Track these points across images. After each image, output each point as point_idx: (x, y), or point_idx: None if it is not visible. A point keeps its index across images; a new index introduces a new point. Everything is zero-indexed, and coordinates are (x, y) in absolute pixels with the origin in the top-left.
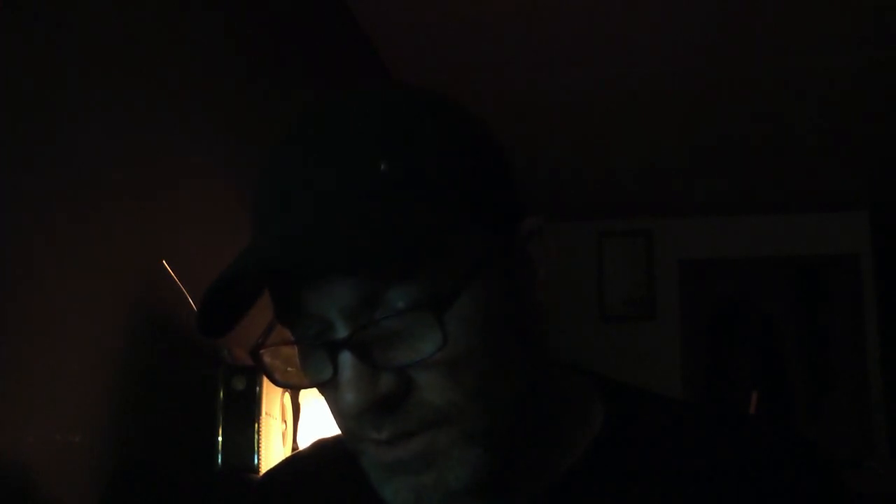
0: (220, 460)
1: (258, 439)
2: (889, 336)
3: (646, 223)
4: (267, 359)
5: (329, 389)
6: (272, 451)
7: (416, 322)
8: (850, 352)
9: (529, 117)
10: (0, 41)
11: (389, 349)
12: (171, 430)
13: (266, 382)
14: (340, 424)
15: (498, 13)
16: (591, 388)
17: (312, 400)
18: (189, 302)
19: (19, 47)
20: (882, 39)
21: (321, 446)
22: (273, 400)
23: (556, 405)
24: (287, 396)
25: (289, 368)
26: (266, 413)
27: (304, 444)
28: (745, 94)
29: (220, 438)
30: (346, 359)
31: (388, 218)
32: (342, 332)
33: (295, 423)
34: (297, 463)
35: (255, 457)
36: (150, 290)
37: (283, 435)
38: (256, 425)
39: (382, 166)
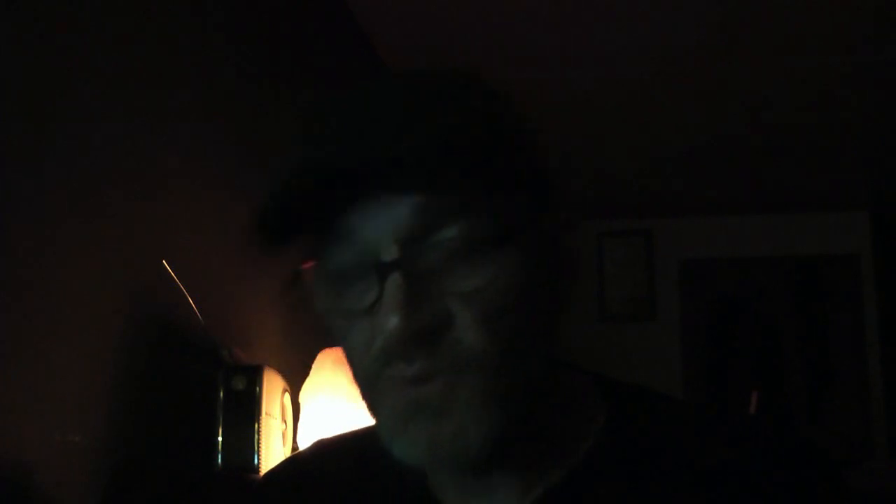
0: (220, 460)
1: (258, 439)
2: (889, 336)
3: (646, 223)
4: (308, 282)
5: (364, 321)
6: (272, 451)
7: (467, 255)
8: (851, 352)
9: (529, 117)
10: (0, 41)
11: (438, 278)
12: (171, 430)
13: (266, 382)
14: (364, 366)
15: (497, 13)
16: (592, 387)
17: (312, 400)
18: (189, 302)
19: (19, 47)
20: (882, 39)
21: (321, 446)
22: (273, 400)
23: (560, 403)
24: (287, 396)
25: (329, 295)
26: (266, 413)
27: (304, 443)
28: (745, 94)
29: (220, 438)
30: (396, 280)
31: (467, 154)
32: (392, 253)
33: (295, 423)
34: (297, 463)
35: (255, 457)
36: (150, 290)
37: (283, 435)
38: (256, 425)
39: (451, 117)
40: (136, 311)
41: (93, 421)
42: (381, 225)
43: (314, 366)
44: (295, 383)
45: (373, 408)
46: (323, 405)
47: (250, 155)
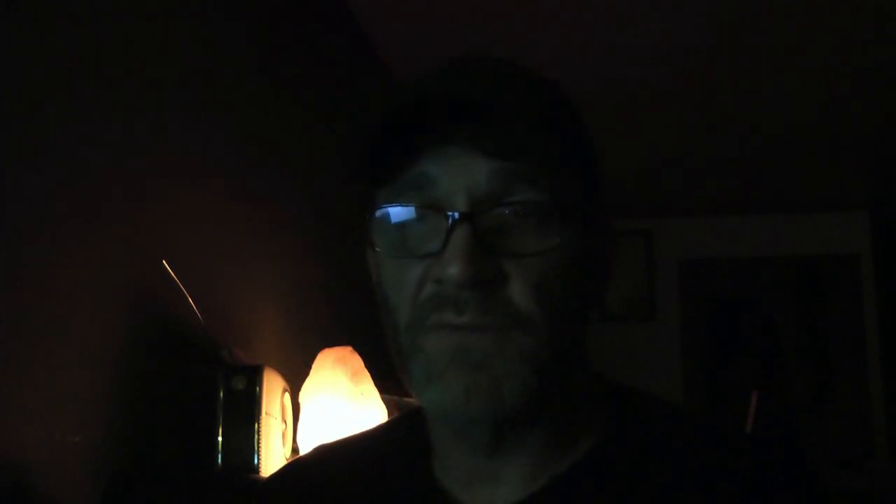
0: (220, 460)
1: (258, 439)
2: (889, 336)
3: (646, 223)
4: (373, 225)
5: (415, 267)
6: (272, 451)
7: (532, 221)
8: (851, 352)
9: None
10: (0, 41)
11: (501, 238)
12: (171, 430)
13: (266, 382)
14: (408, 308)
15: (497, 13)
16: (596, 386)
17: (312, 400)
18: (189, 302)
19: (19, 46)
20: (882, 40)
21: (322, 451)
22: (273, 400)
23: (569, 397)
24: (287, 396)
25: (395, 235)
26: (266, 413)
27: (304, 443)
28: (746, 95)
29: (220, 438)
30: (465, 232)
31: (549, 128)
32: (463, 206)
33: (295, 423)
34: (299, 468)
35: (255, 457)
36: (150, 290)
37: (283, 435)
38: (256, 425)
39: (543, 95)
40: (136, 311)
41: (93, 421)
42: (459, 179)
43: (314, 366)
44: (295, 383)
45: (410, 353)
46: (323, 405)
47: (251, 155)
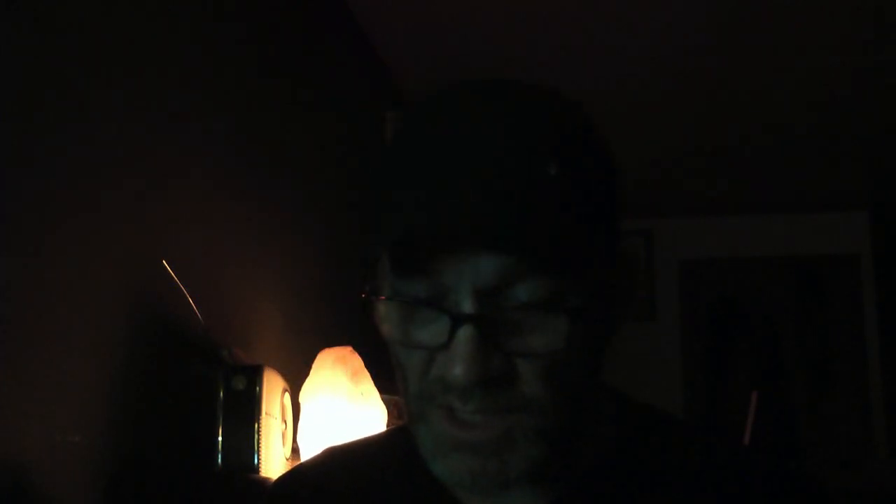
0: (220, 460)
1: (258, 439)
2: (889, 336)
3: (646, 223)
4: (380, 310)
5: (427, 353)
6: (272, 451)
7: (537, 318)
8: (850, 352)
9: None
10: (0, 41)
11: (511, 336)
12: (171, 430)
13: (266, 382)
14: (417, 385)
15: (497, 13)
16: (608, 406)
17: (312, 400)
18: (189, 302)
19: (19, 46)
20: (882, 40)
21: (331, 454)
22: (273, 400)
23: (578, 428)
24: (287, 396)
25: (398, 326)
26: (266, 413)
27: (303, 443)
28: (745, 95)
29: (220, 438)
30: (469, 332)
31: (551, 217)
32: (468, 306)
33: (295, 423)
34: (307, 471)
35: (255, 457)
36: (150, 290)
37: (283, 435)
38: (256, 425)
39: (552, 170)
40: (136, 311)
41: (93, 421)
42: (463, 275)
43: (314, 366)
44: (295, 383)
45: (418, 420)
46: (323, 405)
47: (251, 155)
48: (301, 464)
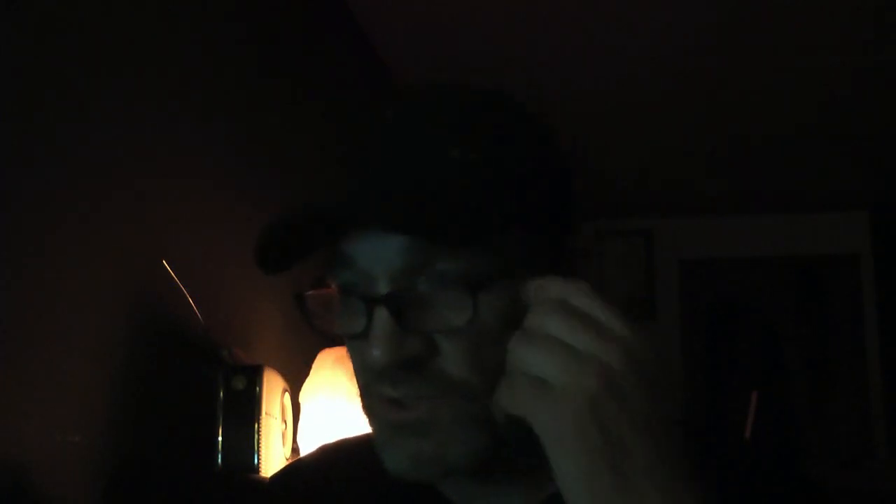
0: (220, 460)
1: (258, 439)
2: (889, 336)
3: (646, 223)
4: (309, 304)
5: (357, 343)
6: (272, 451)
7: (451, 295)
8: (850, 352)
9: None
10: (0, 41)
11: (423, 314)
12: (171, 430)
13: (266, 382)
14: (360, 379)
15: (498, 13)
16: None
17: (312, 400)
18: (189, 302)
19: (19, 46)
20: (882, 40)
21: (324, 451)
22: (273, 400)
23: None
24: (287, 396)
25: (326, 318)
26: (266, 413)
27: (303, 443)
28: (745, 94)
29: (220, 438)
30: (382, 315)
31: (453, 199)
32: (383, 289)
33: (295, 423)
34: (302, 468)
35: (255, 457)
36: (150, 290)
37: (283, 435)
38: (256, 425)
39: (455, 153)
40: (136, 311)
41: (93, 421)
42: (375, 258)
43: (314, 366)
44: (295, 383)
45: (368, 422)
46: (323, 405)
47: (251, 155)
48: (297, 460)
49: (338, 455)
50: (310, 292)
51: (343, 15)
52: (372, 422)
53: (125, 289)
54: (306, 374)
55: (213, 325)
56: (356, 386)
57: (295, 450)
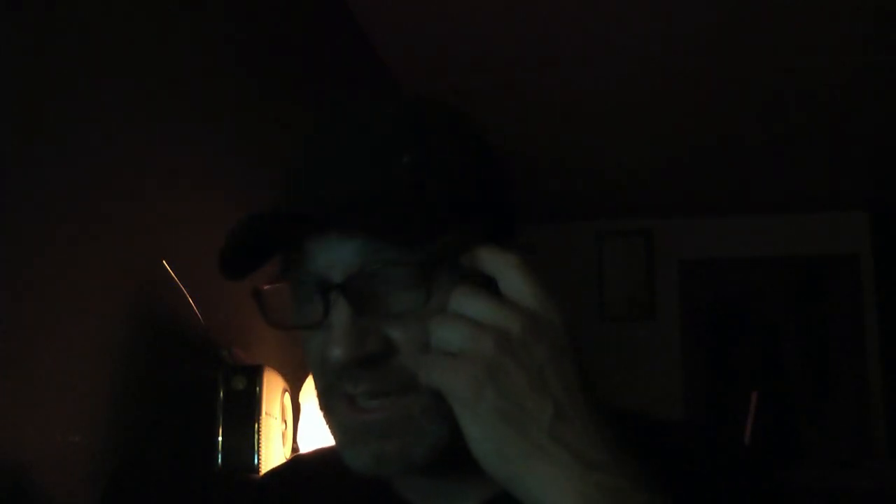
0: (220, 460)
1: (258, 439)
2: (889, 336)
3: (646, 223)
4: (266, 298)
5: (314, 338)
6: (272, 451)
7: (405, 280)
8: (850, 352)
9: (529, 117)
10: (0, 41)
11: (380, 303)
12: (171, 430)
13: (266, 382)
14: (318, 378)
15: (498, 13)
16: None
17: (312, 400)
18: (189, 302)
19: (19, 46)
20: (882, 40)
21: (297, 462)
22: (273, 400)
23: None
24: (287, 396)
25: (282, 311)
26: (266, 413)
27: (303, 443)
28: (745, 95)
29: (220, 438)
30: (341, 307)
31: (406, 201)
32: (338, 279)
33: (295, 423)
34: (299, 465)
35: (255, 457)
36: (150, 290)
37: (283, 435)
38: (256, 425)
39: (405, 159)
40: (136, 311)
41: (93, 421)
42: (332, 257)
43: None
44: (295, 383)
45: (328, 421)
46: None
47: (250, 155)
48: (269, 471)
49: (309, 466)
50: (266, 287)
51: (343, 15)
52: (332, 422)
53: (125, 289)
54: (306, 374)
55: (213, 325)
56: (316, 389)
57: (295, 450)
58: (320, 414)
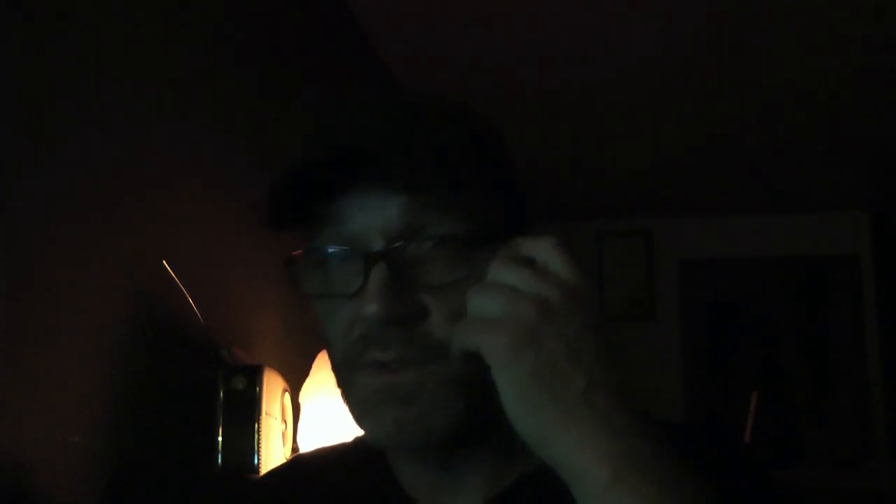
0: (220, 460)
1: (258, 439)
2: (889, 336)
3: (646, 223)
4: (297, 267)
5: (343, 306)
6: (272, 451)
7: (446, 253)
8: (850, 352)
9: (529, 117)
10: (0, 41)
11: (418, 271)
12: (171, 430)
13: (266, 382)
14: (341, 348)
15: (497, 13)
16: None
17: (312, 400)
18: (189, 302)
19: (19, 46)
20: (882, 40)
21: (298, 461)
22: (273, 400)
23: None
24: (287, 396)
25: (314, 279)
26: (266, 413)
27: (303, 443)
28: (745, 94)
29: (220, 438)
30: (381, 270)
31: (450, 167)
32: (378, 246)
33: (295, 423)
34: (299, 464)
35: (255, 457)
36: (150, 290)
37: (283, 435)
38: (256, 425)
39: (444, 133)
40: (136, 311)
41: (93, 421)
42: (372, 217)
43: (314, 366)
44: (295, 383)
45: (346, 390)
46: (323, 405)
47: (251, 155)
48: (296, 455)
49: (310, 466)
50: (298, 253)
51: (343, 15)
52: (352, 392)
53: (125, 289)
54: (306, 374)
55: (213, 325)
56: (335, 363)
57: (295, 450)
58: (339, 390)
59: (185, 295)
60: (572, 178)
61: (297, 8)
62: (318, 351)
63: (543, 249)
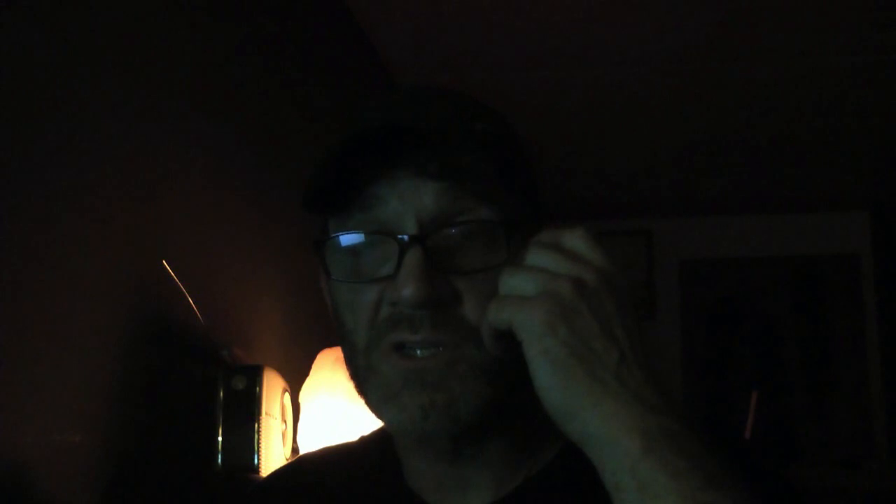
0: (220, 460)
1: (258, 439)
2: (889, 336)
3: (646, 223)
4: (326, 251)
5: (370, 290)
6: (272, 451)
7: (480, 239)
8: (850, 352)
9: (529, 117)
10: (0, 41)
11: (452, 257)
12: (171, 430)
13: (266, 382)
14: (364, 333)
15: (497, 13)
16: None
17: (312, 400)
18: (189, 302)
19: (19, 46)
20: (882, 40)
21: (303, 461)
22: (273, 400)
23: (530, 409)
24: (287, 396)
25: (344, 263)
26: (266, 413)
27: (303, 444)
28: (745, 94)
29: (220, 438)
30: (416, 253)
31: (493, 152)
32: (413, 230)
33: (295, 423)
34: (304, 464)
35: (255, 457)
36: (150, 290)
37: (283, 435)
38: (256, 425)
39: (478, 126)
40: (136, 311)
41: (93, 421)
42: (407, 202)
43: (314, 366)
44: (295, 383)
45: (367, 375)
46: (323, 405)
47: (251, 155)
48: (275, 470)
49: (315, 465)
50: (329, 237)
51: (343, 15)
52: (374, 377)
53: (125, 289)
54: (306, 374)
55: (213, 325)
56: (355, 348)
57: (295, 450)
58: (354, 382)
59: (185, 295)
60: (572, 178)
61: (297, 8)
62: (318, 351)
63: (575, 237)
